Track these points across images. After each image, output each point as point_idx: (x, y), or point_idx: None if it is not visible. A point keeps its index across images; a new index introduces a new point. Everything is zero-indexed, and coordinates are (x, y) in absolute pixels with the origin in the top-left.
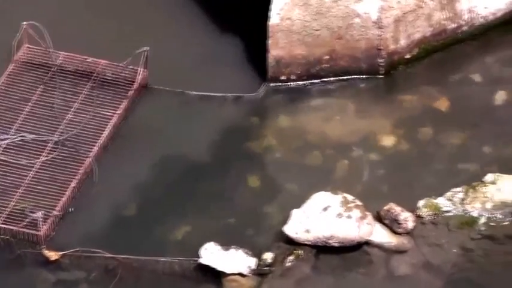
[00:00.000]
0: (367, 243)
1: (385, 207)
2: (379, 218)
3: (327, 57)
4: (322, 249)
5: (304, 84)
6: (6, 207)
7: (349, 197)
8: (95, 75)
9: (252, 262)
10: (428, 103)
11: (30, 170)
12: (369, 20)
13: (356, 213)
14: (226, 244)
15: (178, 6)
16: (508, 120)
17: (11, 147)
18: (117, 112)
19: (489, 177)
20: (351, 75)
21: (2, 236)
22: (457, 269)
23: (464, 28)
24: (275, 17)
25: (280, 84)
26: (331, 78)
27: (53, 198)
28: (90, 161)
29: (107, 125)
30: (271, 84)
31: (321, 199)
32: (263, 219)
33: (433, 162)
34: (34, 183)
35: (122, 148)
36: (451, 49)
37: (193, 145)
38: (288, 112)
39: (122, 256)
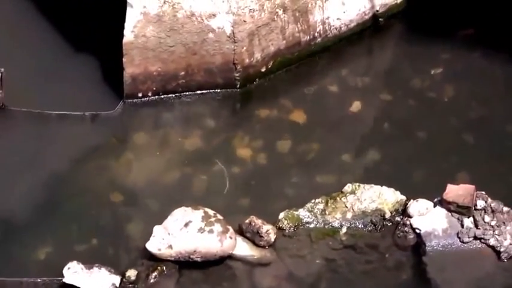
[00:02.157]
0: (230, 257)
1: (246, 221)
2: (240, 232)
3: (183, 73)
4: (185, 264)
5: (162, 100)
6: None
7: (210, 212)
8: None
9: (116, 280)
10: (285, 115)
11: None
12: (223, 34)
13: (217, 227)
14: (90, 263)
15: (31, 26)
16: (364, 130)
17: None
18: None
19: (348, 187)
20: (208, 90)
21: None
22: (320, 280)
23: (318, 40)
24: (129, 34)
25: (137, 101)
26: (189, 93)
27: None
28: None
29: None
30: (129, 101)
31: (181, 214)
32: (126, 236)
33: (293, 174)
34: None
35: None
36: (306, 61)
37: (52, 165)
38: (147, 129)
39: None
